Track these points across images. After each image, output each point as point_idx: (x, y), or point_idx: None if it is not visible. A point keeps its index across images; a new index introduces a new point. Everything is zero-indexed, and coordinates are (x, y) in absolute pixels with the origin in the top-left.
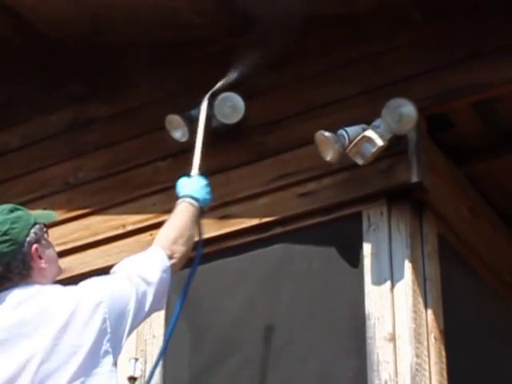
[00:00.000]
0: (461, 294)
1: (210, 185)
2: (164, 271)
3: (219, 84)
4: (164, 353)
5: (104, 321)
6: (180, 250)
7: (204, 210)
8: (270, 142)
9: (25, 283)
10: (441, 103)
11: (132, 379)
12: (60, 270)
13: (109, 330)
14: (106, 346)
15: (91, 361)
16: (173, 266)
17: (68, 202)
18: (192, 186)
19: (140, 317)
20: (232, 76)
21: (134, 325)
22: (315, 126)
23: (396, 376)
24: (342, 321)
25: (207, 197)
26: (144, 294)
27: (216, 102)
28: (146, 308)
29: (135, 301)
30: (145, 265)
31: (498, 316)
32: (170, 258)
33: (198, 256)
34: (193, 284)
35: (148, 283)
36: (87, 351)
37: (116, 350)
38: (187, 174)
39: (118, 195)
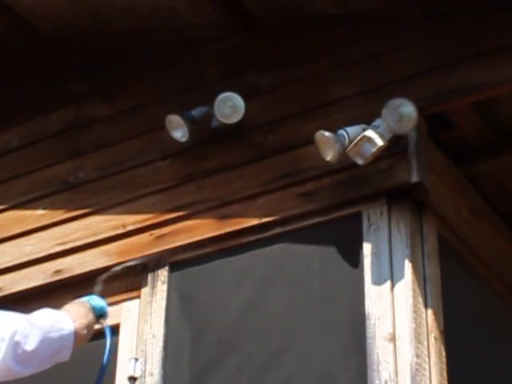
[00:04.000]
0: (461, 293)
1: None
2: (58, 321)
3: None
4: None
5: None
6: (83, 323)
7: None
8: (269, 142)
9: None
10: (441, 103)
11: (132, 379)
12: None
13: None
14: None
15: None
16: (77, 330)
17: (68, 202)
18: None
19: (21, 356)
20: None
21: (15, 362)
22: (315, 126)
23: (396, 376)
24: (342, 321)
25: (103, 306)
26: (24, 335)
27: (216, 102)
28: (29, 348)
29: (10, 336)
30: (38, 314)
31: (498, 316)
32: (74, 321)
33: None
34: (192, 284)
35: (32, 325)
36: None
37: None
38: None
39: (118, 195)
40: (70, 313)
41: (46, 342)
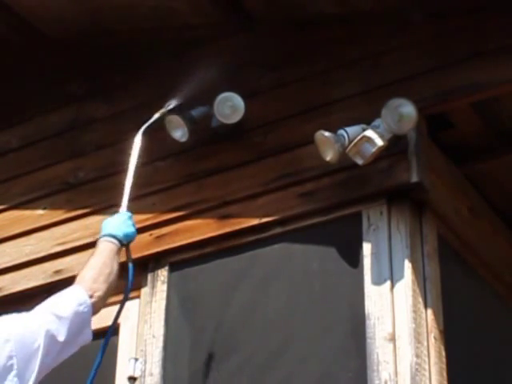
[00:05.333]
0: (461, 294)
1: (132, 219)
2: (80, 305)
3: (157, 115)
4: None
5: (10, 358)
6: (100, 287)
7: (127, 244)
8: (269, 142)
9: None
10: (441, 103)
11: (132, 379)
12: None
13: (15, 366)
14: (12, 381)
15: None
16: (94, 303)
17: (68, 201)
18: (112, 223)
19: (55, 349)
20: (173, 103)
21: (52, 358)
22: (315, 126)
23: (396, 376)
24: (341, 321)
25: (128, 231)
26: (56, 329)
27: (216, 102)
28: (62, 339)
29: (44, 336)
30: (58, 302)
31: (498, 316)
32: (91, 296)
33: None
34: (192, 284)
35: (59, 317)
36: None
37: (28, 382)
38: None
39: (118, 195)
40: (92, 276)
41: (73, 328)
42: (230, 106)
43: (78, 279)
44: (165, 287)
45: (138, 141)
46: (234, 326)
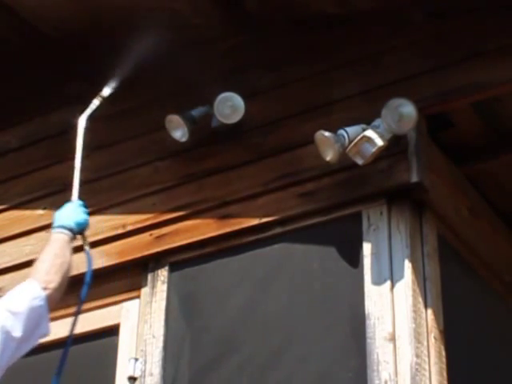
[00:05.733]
0: (461, 294)
1: (85, 206)
2: (34, 299)
3: (96, 101)
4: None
5: None
6: (54, 278)
7: (82, 232)
8: (269, 142)
9: None
10: (441, 103)
11: (132, 379)
12: None
13: None
14: None
15: None
16: (49, 295)
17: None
18: (63, 213)
19: (12, 346)
20: (108, 89)
21: (8, 355)
22: (315, 126)
23: (396, 376)
24: (341, 321)
25: (79, 219)
26: (11, 325)
27: (216, 102)
28: (18, 335)
29: (0, 333)
30: (12, 298)
31: (498, 316)
32: (45, 288)
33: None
34: (192, 284)
35: (14, 313)
36: None
37: None
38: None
39: (118, 195)
40: (44, 268)
41: (28, 323)
42: (230, 106)
43: (31, 273)
44: (165, 287)
45: (82, 125)
46: (234, 326)
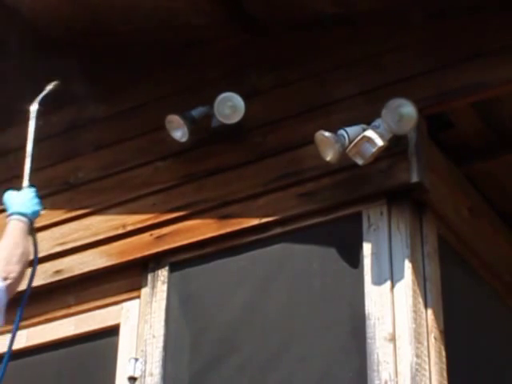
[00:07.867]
0: (461, 294)
1: (38, 195)
2: None
3: (49, 88)
4: None
5: None
6: (14, 268)
7: (32, 223)
8: (269, 142)
9: None
10: (441, 103)
11: (132, 379)
12: None
13: None
14: None
15: None
16: (9, 285)
17: (68, 201)
18: (19, 200)
19: None
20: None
21: None
22: (315, 126)
23: (396, 376)
24: (342, 321)
25: (36, 209)
26: None
27: (216, 102)
28: None
29: None
30: None
31: (498, 316)
32: (6, 278)
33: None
34: (192, 284)
35: None
36: None
37: None
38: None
39: (118, 195)
40: (5, 257)
41: None
42: (230, 106)
43: None
44: (165, 287)
45: (34, 110)
46: (234, 326)
